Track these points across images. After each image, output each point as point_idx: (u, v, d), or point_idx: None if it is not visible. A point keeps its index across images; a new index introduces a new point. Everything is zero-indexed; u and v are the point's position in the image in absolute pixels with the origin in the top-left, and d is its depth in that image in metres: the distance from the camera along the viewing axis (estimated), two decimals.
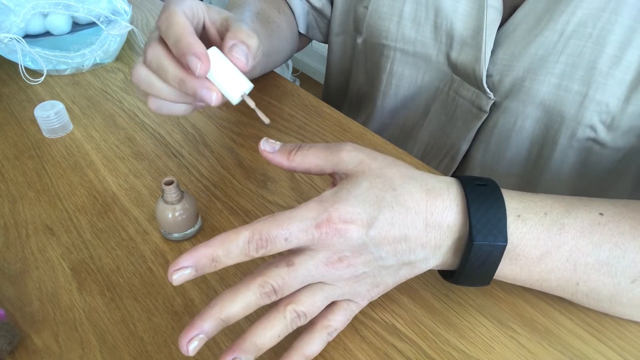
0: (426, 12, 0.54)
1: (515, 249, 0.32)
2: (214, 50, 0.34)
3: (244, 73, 0.35)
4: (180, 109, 0.38)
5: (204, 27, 0.38)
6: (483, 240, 0.30)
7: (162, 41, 0.35)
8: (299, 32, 0.66)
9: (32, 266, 0.39)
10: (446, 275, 0.35)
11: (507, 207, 0.32)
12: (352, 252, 0.30)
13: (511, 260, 0.33)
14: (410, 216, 0.31)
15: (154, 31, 0.36)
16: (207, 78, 0.34)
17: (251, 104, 0.35)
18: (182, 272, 0.28)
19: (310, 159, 0.34)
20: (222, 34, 0.38)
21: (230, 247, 0.28)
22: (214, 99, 0.34)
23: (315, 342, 0.32)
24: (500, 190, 0.32)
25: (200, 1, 0.38)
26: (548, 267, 0.32)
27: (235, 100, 0.35)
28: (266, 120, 0.35)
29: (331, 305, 0.33)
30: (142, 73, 0.36)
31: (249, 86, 0.34)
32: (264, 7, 0.57)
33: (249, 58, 0.35)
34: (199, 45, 0.32)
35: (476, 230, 0.30)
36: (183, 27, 0.33)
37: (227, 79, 0.34)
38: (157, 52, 0.34)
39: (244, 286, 0.29)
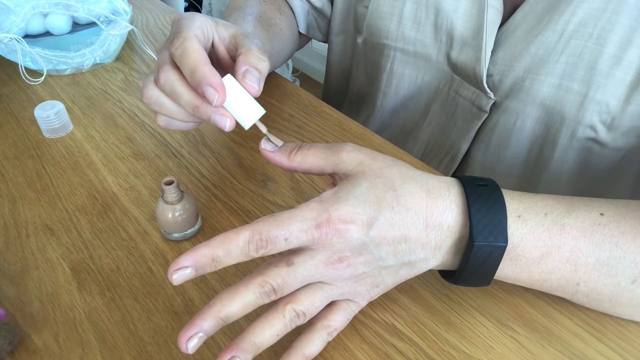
0: (426, 11, 0.54)
1: (515, 249, 0.32)
2: (228, 78, 0.34)
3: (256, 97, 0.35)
4: (189, 126, 0.39)
5: (212, 45, 0.38)
6: (483, 241, 0.30)
7: (175, 65, 0.35)
8: (299, 32, 0.66)
9: (32, 266, 0.39)
10: (446, 275, 0.35)
11: (507, 208, 0.32)
12: (352, 252, 0.30)
13: (512, 260, 0.33)
14: (411, 216, 0.31)
15: (163, 50, 0.36)
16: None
17: (263, 129, 0.36)
18: (182, 272, 0.28)
19: (311, 159, 0.34)
20: (231, 51, 0.38)
21: (230, 247, 0.28)
22: (227, 126, 0.34)
23: (315, 342, 0.32)
24: (500, 191, 0.32)
25: (208, 17, 0.38)
26: (548, 268, 0.32)
27: (247, 126, 0.35)
28: (279, 143, 0.35)
29: (331, 305, 0.33)
30: (153, 94, 0.35)
31: (261, 112, 0.35)
32: (265, 8, 0.57)
33: (261, 83, 0.35)
34: (215, 75, 0.32)
35: (477, 231, 0.30)
36: (198, 57, 0.33)
37: (241, 105, 0.34)
38: (170, 77, 0.34)
39: (243, 285, 0.29)
